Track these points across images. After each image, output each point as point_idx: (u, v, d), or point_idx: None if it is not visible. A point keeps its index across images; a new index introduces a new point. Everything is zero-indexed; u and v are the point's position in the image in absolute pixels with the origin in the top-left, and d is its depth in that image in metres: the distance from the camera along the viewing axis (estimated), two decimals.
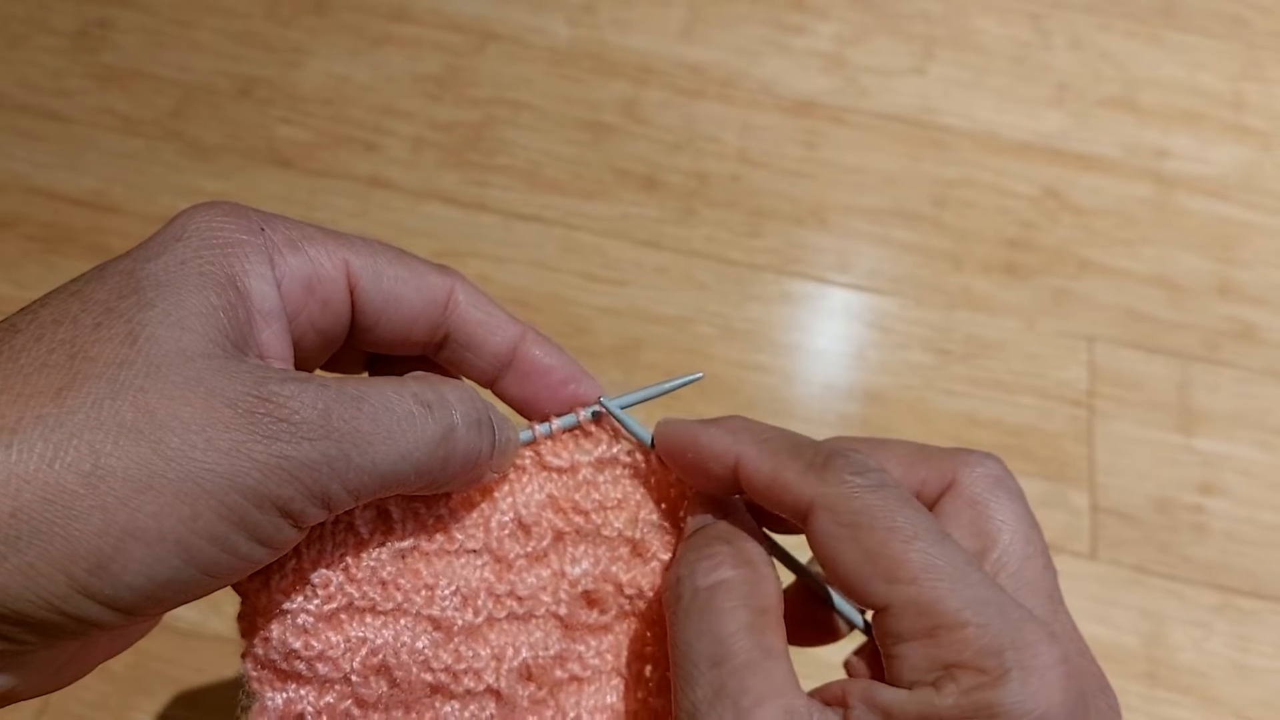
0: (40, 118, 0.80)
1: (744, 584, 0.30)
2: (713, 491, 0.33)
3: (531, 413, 0.35)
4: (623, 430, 0.35)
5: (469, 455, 0.30)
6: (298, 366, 0.31)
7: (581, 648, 0.34)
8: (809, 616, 0.38)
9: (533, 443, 0.34)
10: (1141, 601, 0.65)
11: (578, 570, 0.34)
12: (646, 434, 0.34)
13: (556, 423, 0.34)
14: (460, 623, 0.31)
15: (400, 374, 0.30)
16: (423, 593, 0.31)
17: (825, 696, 0.28)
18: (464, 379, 0.33)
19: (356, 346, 0.33)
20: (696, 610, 0.29)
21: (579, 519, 0.34)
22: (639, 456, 0.35)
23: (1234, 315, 0.77)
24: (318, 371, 0.32)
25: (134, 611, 0.25)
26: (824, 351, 0.74)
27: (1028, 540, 0.31)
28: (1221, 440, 0.71)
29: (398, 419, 0.27)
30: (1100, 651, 0.62)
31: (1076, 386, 0.73)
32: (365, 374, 0.36)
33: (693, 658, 0.29)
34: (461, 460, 0.29)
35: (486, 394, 0.33)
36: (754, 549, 0.31)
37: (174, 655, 0.60)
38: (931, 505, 0.33)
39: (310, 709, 0.29)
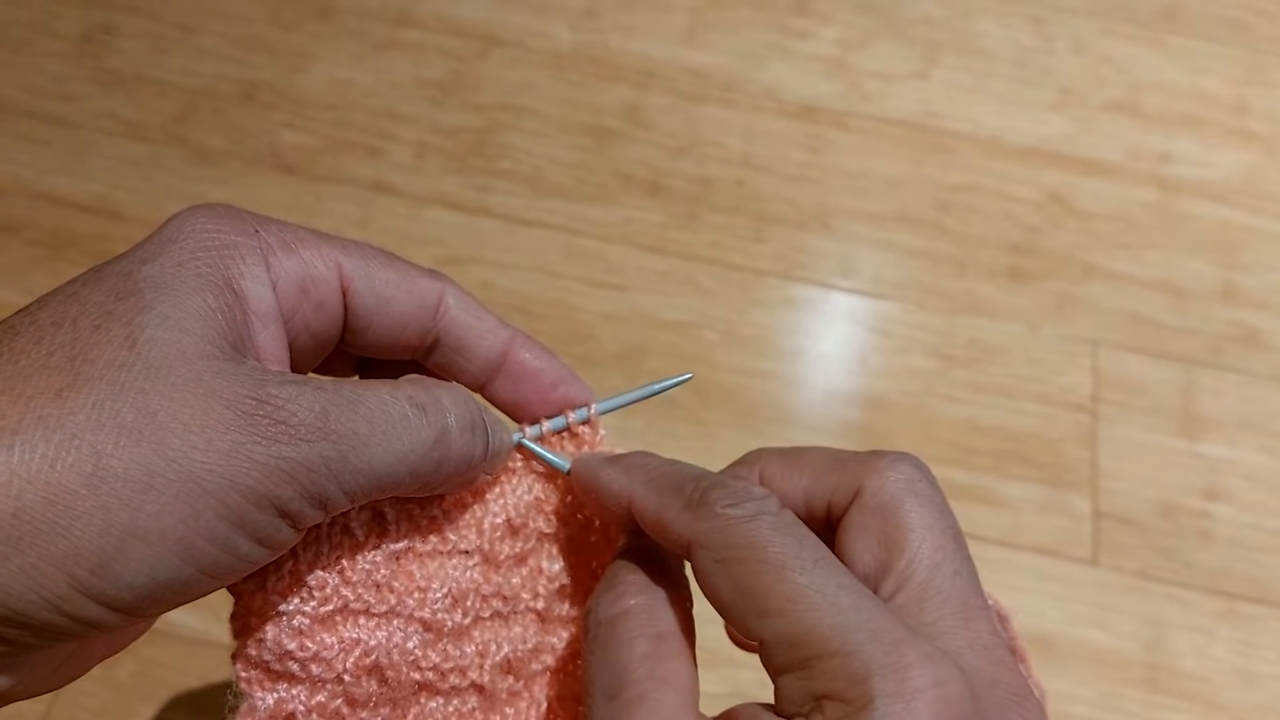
0: (44, 122, 0.80)
1: (643, 613, 0.29)
2: (623, 528, 0.33)
3: (522, 416, 0.35)
4: (599, 443, 0.35)
5: (463, 458, 0.30)
6: (291, 369, 0.31)
7: (555, 639, 0.35)
8: None
9: (522, 445, 0.34)
10: (1143, 607, 0.65)
11: (556, 567, 0.34)
12: (565, 464, 0.34)
13: (546, 425, 0.34)
14: (450, 624, 0.32)
15: (391, 378, 0.30)
16: (415, 595, 0.31)
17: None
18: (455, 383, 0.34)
19: (347, 350, 0.33)
20: (599, 643, 0.29)
21: (561, 522, 0.34)
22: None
23: (1238, 320, 0.76)
24: (310, 374, 0.32)
25: (134, 612, 0.25)
26: (826, 356, 0.74)
27: (936, 547, 0.29)
28: (1226, 445, 0.71)
29: (393, 421, 0.28)
30: (1100, 658, 0.63)
31: (1080, 391, 0.73)
32: (356, 377, 0.36)
33: (593, 692, 0.28)
34: (456, 463, 0.30)
35: (478, 398, 0.33)
36: (658, 574, 0.31)
37: (178, 663, 0.60)
38: (841, 515, 0.31)
39: (302, 708, 0.29)
